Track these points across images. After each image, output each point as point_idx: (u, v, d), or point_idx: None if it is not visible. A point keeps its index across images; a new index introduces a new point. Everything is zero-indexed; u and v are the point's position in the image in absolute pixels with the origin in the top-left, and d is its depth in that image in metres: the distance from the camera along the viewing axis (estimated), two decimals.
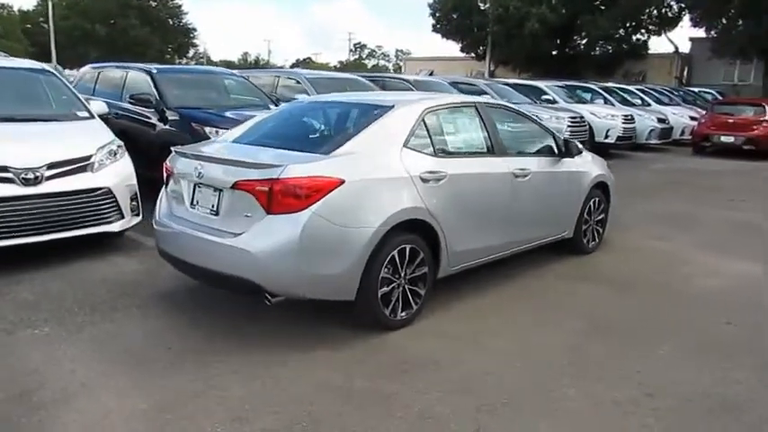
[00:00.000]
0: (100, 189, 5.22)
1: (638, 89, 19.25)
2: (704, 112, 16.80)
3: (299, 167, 3.46)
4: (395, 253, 3.77)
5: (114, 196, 5.33)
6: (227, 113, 7.22)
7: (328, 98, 5.01)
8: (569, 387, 3.31)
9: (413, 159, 3.92)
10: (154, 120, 7.27)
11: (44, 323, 3.92)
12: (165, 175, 4.19)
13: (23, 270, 4.81)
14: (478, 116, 4.61)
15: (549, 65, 31.17)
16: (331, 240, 3.49)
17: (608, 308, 4.50)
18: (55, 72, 6.50)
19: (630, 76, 31.61)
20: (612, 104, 16.14)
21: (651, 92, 19.76)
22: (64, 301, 4.27)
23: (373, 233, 3.60)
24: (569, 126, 12.23)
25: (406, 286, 3.92)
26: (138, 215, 5.63)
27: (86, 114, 6.01)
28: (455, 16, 34.17)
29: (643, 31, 32.61)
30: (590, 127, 13.50)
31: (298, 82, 9.71)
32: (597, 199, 5.83)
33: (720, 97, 24.41)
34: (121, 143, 5.71)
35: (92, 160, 5.26)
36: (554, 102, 14.62)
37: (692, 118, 17.93)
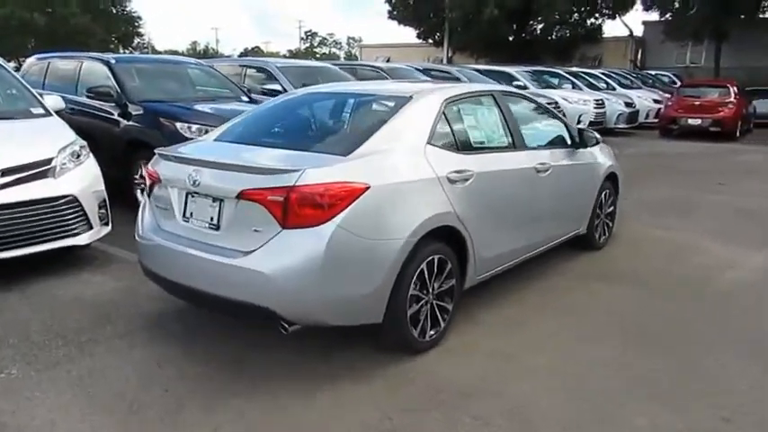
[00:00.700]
0: (64, 197, 4.56)
1: (602, 73, 19.24)
2: (669, 95, 16.88)
3: (319, 172, 2.94)
4: (423, 266, 3.30)
5: (80, 204, 4.68)
6: (198, 106, 6.59)
7: (330, 89, 4.46)
8: (636, 415, 2.92)
9: (438, 157, 3.45)
10: (115, 115, 6.56)
11: (10, 363, 3.30)
12: (147, 181, 3.59)
13: None
14: (497, 106, 4.17)
15: (507, 50, 31.03)
16: (358, 256, 2.99)
17: (641, 312, 4.15)
18: (2, 63, 5.73)
19: (587, 60, 31.85)
20: (581, 89, 16.01)
21: (614, 75, 19.80)
22: (31, 333, 3.64)
23: (403, 245, 3.12)
24: None
25: (434, 302, 3.46)
26: (107, 224, 4.99)
27: (42, 111, 5.28)
28: (412, 2, 33.62)
29: (597, 15, 32.84)
30: (563, 113, 13.29)
31: (267, 71, 9.06)
32: (608, 191, 5.50)
33: (676, 80, 24.80)
34: (85, 143, 5.04)
35: (53, 164, 4.60)
36: (525, 88, 14.35)
37: (656, 101, 18.05)
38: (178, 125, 6.06)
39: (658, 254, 5.51)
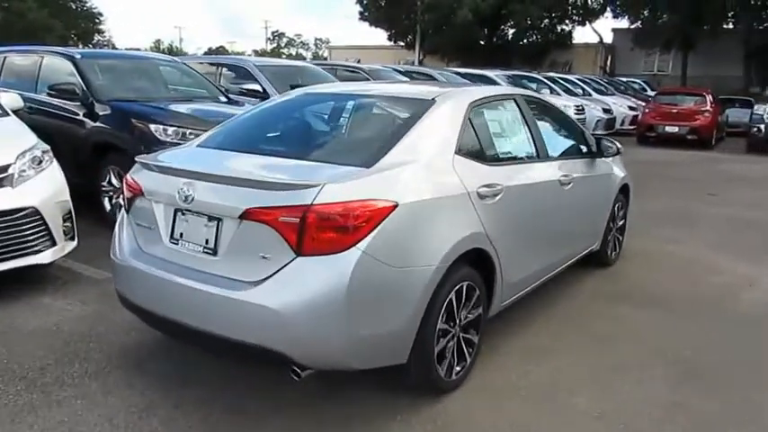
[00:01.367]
0: (24, 209, 3.97)
1: (578, 79, 19.16)
2: (645, 102, 16.86)
3: (340, 188, 2.47)
4: (452, 294, 2.86)
5: (42, 217, 4.09)
6: (173, 107, 6.02)
7: (335, 89, 3.96)
8: None
9: (466, 169, 3.01)
10: (81, 115, 5.94)
11: None
12: (126, 193, 3.05)
13: None
14: (519, 111, 3.76)
15: (479, 54, 30.95)
16: (386, 288, 2.54)
17: (674, 339, 3.79)
18: None
19: (557, 66, 31.94)
20: (559, 94, 15.83)
21: (589, 81, 19.75)
22: None
23: (435, 272, 2.68)
24: None
25: (461, 335, 3.03)
26: (72, 239, 4.41)
27: None
28: (383, 4, 33.27)
29: (568, 21, 33.05)
30: None
31: (245, 70, 8.50)
32: (620, 203, 5.16)
33: (647, 87, 25.00)
34: (47, 147, 4.45)
35: (10, 171, 4.01)
36: None
37: (630, 108, 18.05)
38: (152, 127, 5.49)
39: (671, 271, 5.20)
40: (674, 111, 15.04)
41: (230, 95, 7.26)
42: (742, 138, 16.13)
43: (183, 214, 2.75)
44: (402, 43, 34.96)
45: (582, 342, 3.69)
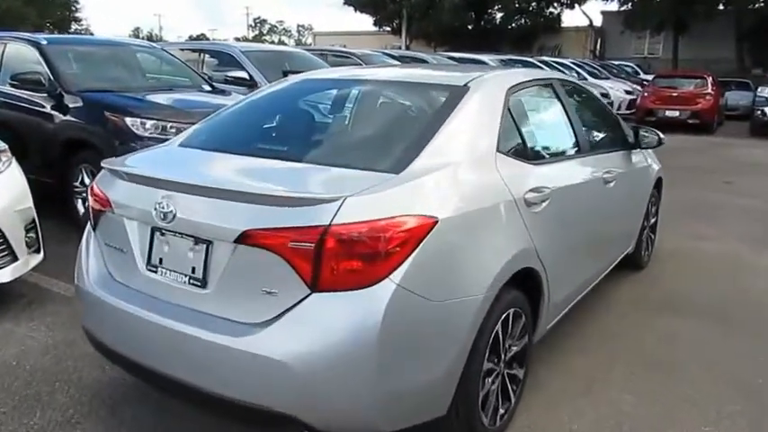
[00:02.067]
0: None
1: (572, 62, 18.65)
2: (642, 86, 16.40)
3: (366, 202, 1.91)
4: (499, 326, 2.32)
5: (0, 230, 3.49)
6: (152, 97, 5.40)
7: (344, 74, 3.31)
8: None
9: (510, 171, 2.47)
10: (48, 108, 5.30)
11: None
12: (91, 206, 2.46)
13: None
14: (557, 98, 3.21)
15: (466, 39, 30.29)
16: (425, 328, 1.99)
17: (740, 361, 3.28)
18: None
19: (546, 50, 31.40)
20: None
21: (583, 65, 19.26)
22: None
23: (482, 303, 2.14)
24: None
25: (505, 371, 2.50)
26: (38, 251, 3.82)
27: None
28: None
29: (556, 4, 32.47)
30: None
31: (230, 56, 7.86)
32: (653, 199, 4.64)
33: (639, 70, 24.57)
34: (4, 146, 3.83)
35: None
36: None
37: (627, 92, 17.58)
38: (128, 120, 4.87)
39: (710, 273, 4.70)
40: (674, 94, 14.58)
41: (215, 84, 6.64)
42: (740, 121, 15.77)
43: (163, 234, 2.17)
44: (388, 29, 34.22)
45: (635, 368, 3.17)
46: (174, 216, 2.08)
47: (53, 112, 5.27)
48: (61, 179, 5.20)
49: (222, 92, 6.31)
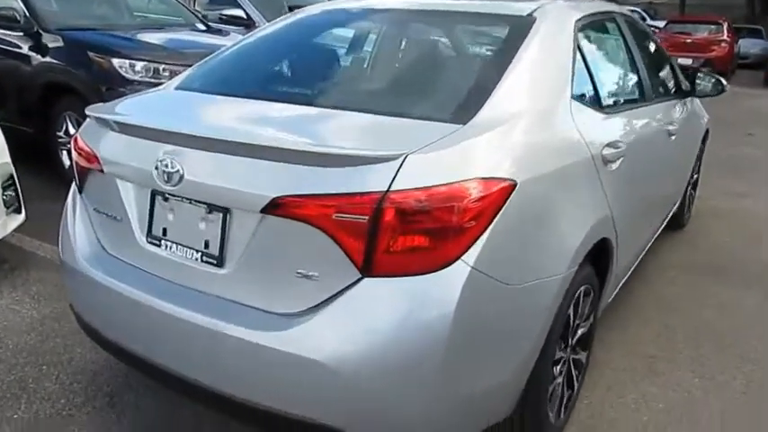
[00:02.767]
0: None
1: None
2: (655, 33, 15.71)
3: (433, 161, 1.47)
4: (571, 308, 1.94)
5: None
6: (141, 36, 4.87)
7: (379, 3, 2.63)
8: None
9: (586, 122, 2.03)
10: (25, 49, 4.75)
11: None
12: (77, 163, 2.01)
13: None
14: (622, 37, 2.75)
15: None
16: (501, 320, 1.59)
17: None
18: None
19: None
20: None
21: None
22: None
23: (561, 283, 1.75)
24: None
25: (571, 357, 2.13)
26: (18, 211, 3.39)
27: None
28: None
29: None
30: None
31: None
32: (699, 153, 4.23)
33: (646, 16, 23.73)
34: None
35: None
36: None
37: None
38: (115, 62, 4.35)
39: (752, 233, 4.35)
40: (688, 41, 13.98)
41: (210, 23, 6.06)
42: (752, 70, 15.25)
43: (167, 200, 1.74)
44: None
45: (702, 342, 2.82)
46: (181, 177, 1.64)
47: (31, 54, 4.71)
48: (43, 128, 4.70)
49: (219, 31, 5.75)
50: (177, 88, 2.28)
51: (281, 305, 1.54)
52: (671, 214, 3.75)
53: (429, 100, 1.87)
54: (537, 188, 1.66)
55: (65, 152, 4.63)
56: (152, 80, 4.12)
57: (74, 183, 2.08)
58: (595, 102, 2.19)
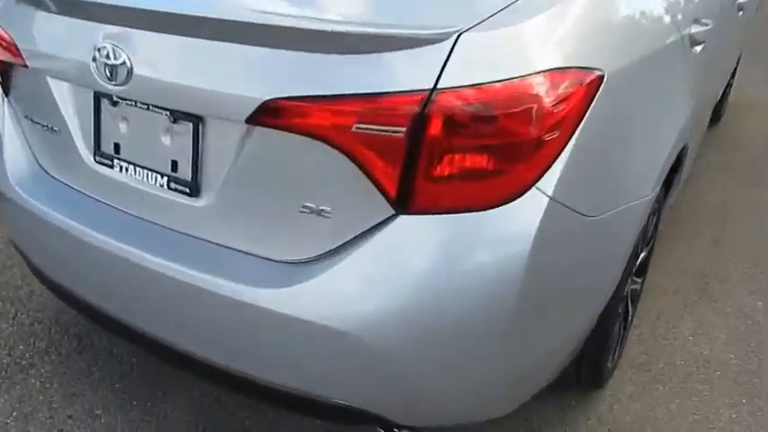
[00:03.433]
0: None
1: None
2: None
3: (494, 42, 1.00)
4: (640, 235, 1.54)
5: None
6: None
7: None
8: None
9: None
10: None
11: None
12: None
13: None
14: None
15: None
16: (580, 262, 1.19)
17: None
18: None
19: None
20: None
21: None
22: None
23: (644, 209, 1.34)
24: None
25: (630, 288, 1.77)
26: None
27: None
28: None
29: None
30: None
31: None
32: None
33: None
34: None
35: None
36: None
37: None
38: None
39: None
40: None
41: None
42: None
43: (115, 105, 1.27)
44: None
45: (760, 261, 2.48)
46: (130, 73, 1.16)
47: None
48: None
49: None
50: None
51: (282, 250, 1.12)
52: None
53: None
54: (625, 82, 1.20)
55: None
56: None
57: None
58: None
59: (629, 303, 1.82)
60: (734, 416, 1.71)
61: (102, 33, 1.18)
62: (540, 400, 1.40)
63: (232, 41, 1.06)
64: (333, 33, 1.00)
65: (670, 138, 1.40)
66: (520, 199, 1.01)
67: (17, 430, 1.62)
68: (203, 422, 1.65)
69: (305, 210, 1.08)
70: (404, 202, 1.01)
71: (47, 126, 1.43)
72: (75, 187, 1.41)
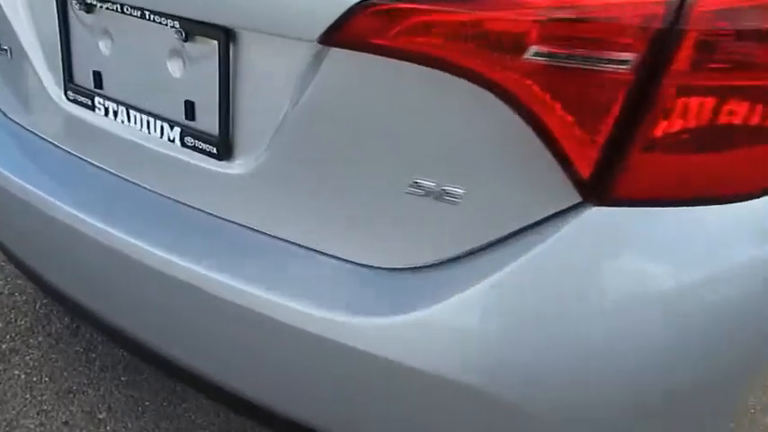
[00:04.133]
0: None
1: None
2: None
3: None
4: None
5: None
6: None
7: None
8: None
9: None
10: None
11: None
12: None
13: None
14: None
15: None
16: None
17: None
18: None
19: None
20: None
21: None
22: None
23: None
24: None
25: None
26: None
27: None
28: None
29: None
30: None
31: None
32: None
33: None
34: None
35: None
36: None
37: None
38: None
39: None
40: None
41: None
42: None
43: (89, 10, 0.80)
44: None
45: None
46: None
47: None
48: None
49: None
50: None
51: (380, 253, 0.70)
52: None
53: None
54: None
55: None
56: None
57: None
58: None
59: None
60: None
61: None
62: None
63: None
64: None
65: None
66: None
67: None
68: (235, 429, 1.30)
69: (416, 189, 0.64)
70: (604, 185, 0.58)
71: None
72: (39, 134, 0.97)
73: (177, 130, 0.79)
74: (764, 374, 0.71)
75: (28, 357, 1.45)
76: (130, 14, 0.77)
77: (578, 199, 0.59)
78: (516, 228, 0.62)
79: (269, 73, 0.69)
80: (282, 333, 0.71)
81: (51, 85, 0.91)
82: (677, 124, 0.54)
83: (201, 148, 0.78)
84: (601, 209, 0.59)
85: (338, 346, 0.68)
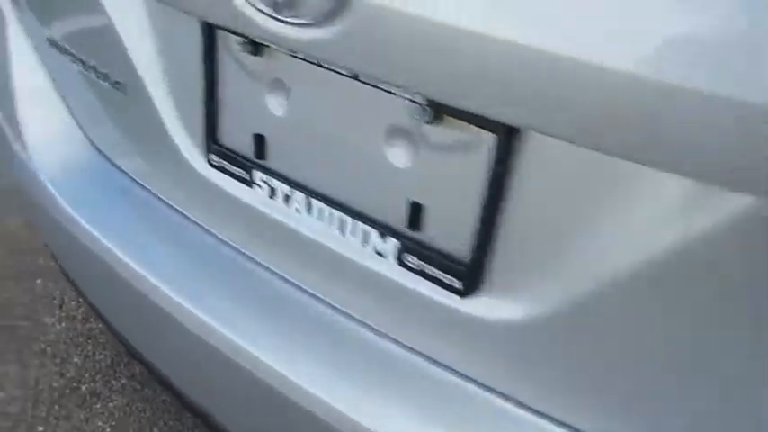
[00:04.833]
0: None
1: None
2: None
3: None
4: None
5: None
6: None
7: None
8: None
9: None
10: None
11: None
12: None
13: None
14: None
15: None
16: None
17: None
18: None
19: None
20: None
21: None
22: None
23: None
24: None
25: None
26: None
27: None
28: None
29: None
30: None
31: None
32: None
33: None
34: None
35: None
36: None
37: None
38: None
39: None
40: None
41: None
42: None
43: (257, 53, 0.54)
44: None
45: None
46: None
47: None
48: None
49: None
50: None
51: None
52: None
53: None
54: None
55: None
56: None
57: None
58: None
59: None
60: None
61: None
62: None
63: None
64: None
65: None
66: None
67: None
68: None
69: None
70: None
71: (101, 74, 0.71)
72: (167, 201, 0.72)
73: (392, 242, 0.54)
74: None
75: (111, 405, 1.25)
76: (330, 69, 0.50)
77: None
78: None
79: (568, 189, 0.43)
80: None
81: (184, 141, 0.66)
82: None
83: (433, 275, 0.52)
84: None
85: None
